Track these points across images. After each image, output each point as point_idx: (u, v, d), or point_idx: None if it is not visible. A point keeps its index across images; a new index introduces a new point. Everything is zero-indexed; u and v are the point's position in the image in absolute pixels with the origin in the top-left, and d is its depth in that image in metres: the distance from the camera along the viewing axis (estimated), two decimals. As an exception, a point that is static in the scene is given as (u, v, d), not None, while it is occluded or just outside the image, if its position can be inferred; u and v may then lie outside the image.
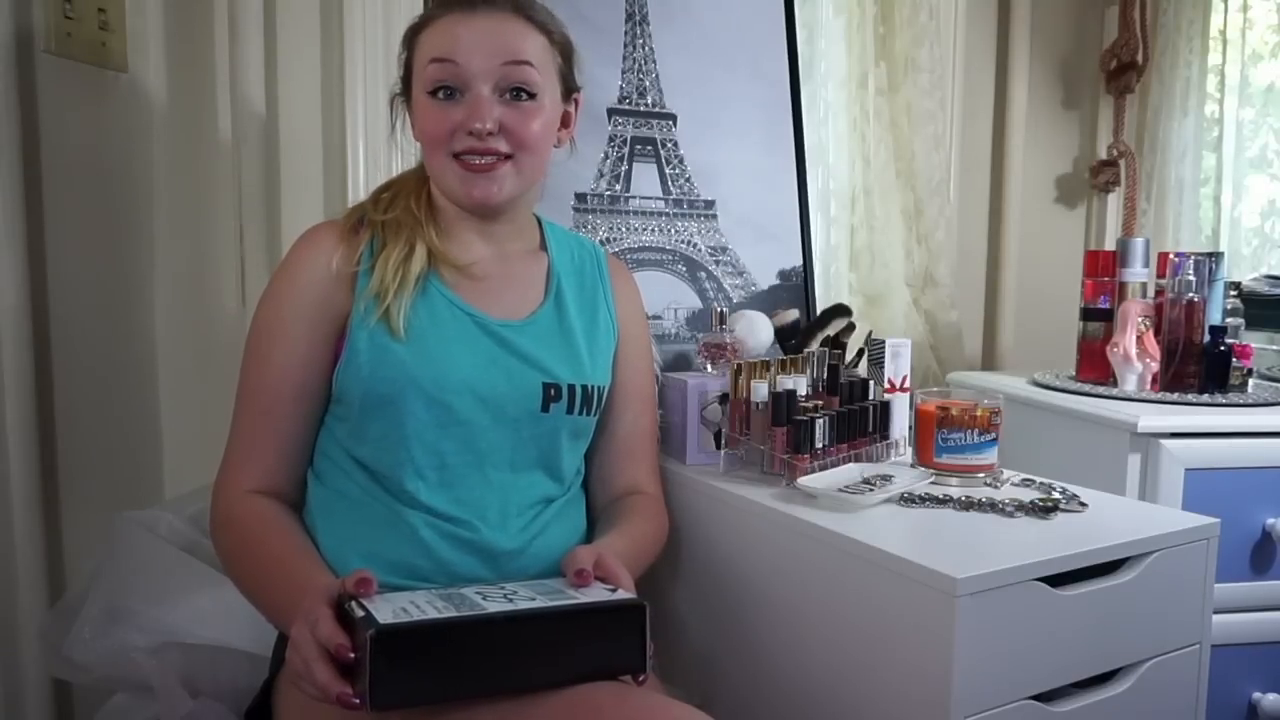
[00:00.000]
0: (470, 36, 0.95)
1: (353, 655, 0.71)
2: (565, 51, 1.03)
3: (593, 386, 1.03)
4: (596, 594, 0.82)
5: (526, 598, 0.80)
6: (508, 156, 0.97)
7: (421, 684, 0.72)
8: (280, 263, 1.01)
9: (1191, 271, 1.50)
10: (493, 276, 1.03)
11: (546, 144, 1.02)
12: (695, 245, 1.51)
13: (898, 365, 1.26)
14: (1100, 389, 1.53)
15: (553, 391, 1.00)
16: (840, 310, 1.38)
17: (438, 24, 0.97)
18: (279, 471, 0.97)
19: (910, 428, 1.23)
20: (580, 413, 1.02)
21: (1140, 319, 1.50)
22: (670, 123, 1.51)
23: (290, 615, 0.78)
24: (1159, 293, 1.55)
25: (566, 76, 1.04)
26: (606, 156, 1.46)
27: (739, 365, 1.18)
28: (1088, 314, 1.63)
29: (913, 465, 1.19)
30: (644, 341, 1.17)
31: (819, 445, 1.12)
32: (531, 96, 0.98)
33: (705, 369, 1.31)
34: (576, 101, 1.07)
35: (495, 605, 0.77)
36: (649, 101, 1.50)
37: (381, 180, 1.10)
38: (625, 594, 0.82)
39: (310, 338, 0.96)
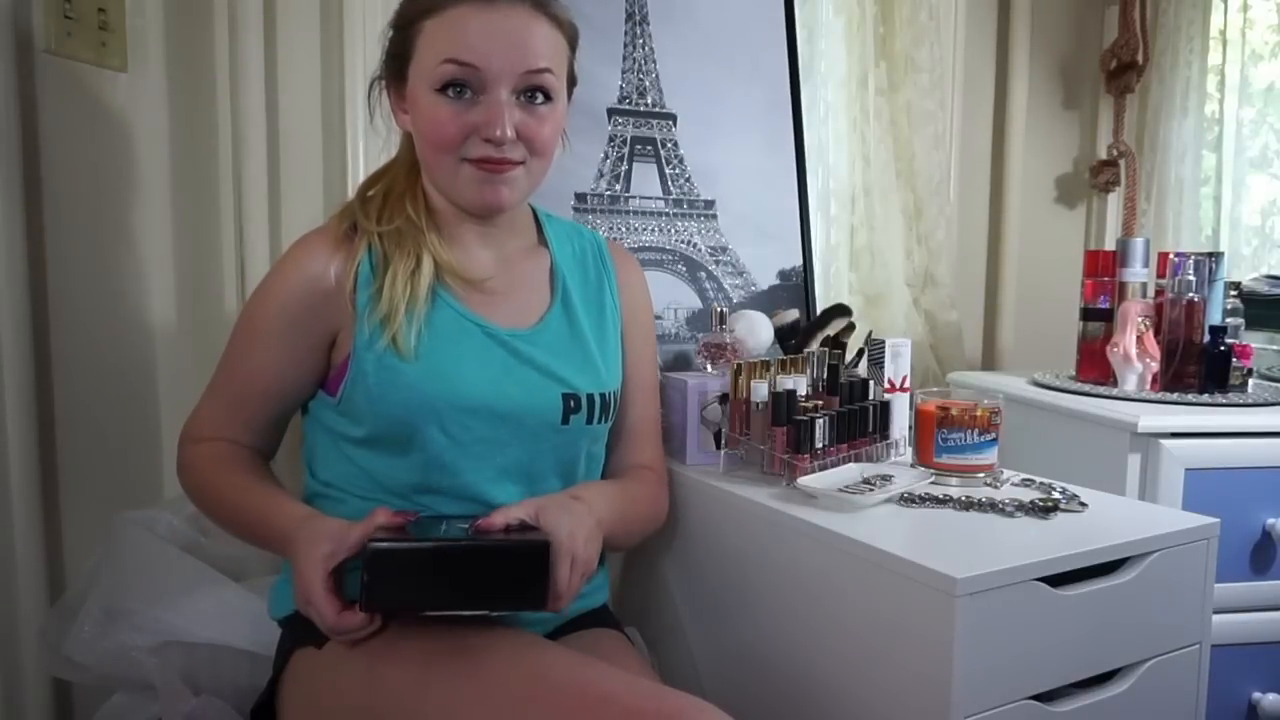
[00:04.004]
0: (489, 34, 0.89)
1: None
2: (573, 43, 0.99)
3: (610, 393, 1.02)
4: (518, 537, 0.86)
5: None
6: (519, 161, 0.94)
7: (399, 595, 0.82)
8: (276, 264, 0.99)
9: (1191, 271, 1.50)
10: (497, 282, 1.00)
11: (556, 147, 0.98)
12: (695, 245, 1.51)
13: (898, 365, 1.26)
14: (1100, 389, 1.53)
15: (573, 403, 0.97)
16: (840, 310, 1.38)
17: (451, 13, 0.90)
18: (242, 438, 0.99)
19: (910, 428, 1.23)
20: (599, 421, 1.01)
21: (1140, 319, 1.50)
22: (670, 123, 1.51)
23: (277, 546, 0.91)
24: (1159, 293, 1.55)
25: (571, 72, 1.00)
26: (606, 156, 1.46)
27: (739, 365, 1.18)
28: (1088, 314, 1.63)
29: (913, 465, 1.19)
30: (649, 328, 1.15)
31: (819, 445, 1.12)
32: (548, 100, 0.94)
33: (705, 369, 1.31)
34: (571, 96, 1.03)
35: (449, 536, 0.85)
36: (649, 101, 1.50)
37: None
38: (538, 537, 0.85)
39: (293, 344, 0.95)
